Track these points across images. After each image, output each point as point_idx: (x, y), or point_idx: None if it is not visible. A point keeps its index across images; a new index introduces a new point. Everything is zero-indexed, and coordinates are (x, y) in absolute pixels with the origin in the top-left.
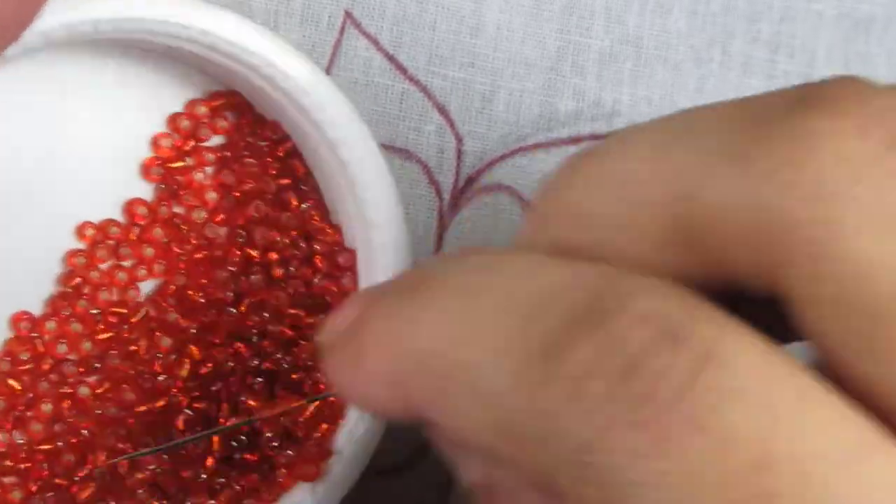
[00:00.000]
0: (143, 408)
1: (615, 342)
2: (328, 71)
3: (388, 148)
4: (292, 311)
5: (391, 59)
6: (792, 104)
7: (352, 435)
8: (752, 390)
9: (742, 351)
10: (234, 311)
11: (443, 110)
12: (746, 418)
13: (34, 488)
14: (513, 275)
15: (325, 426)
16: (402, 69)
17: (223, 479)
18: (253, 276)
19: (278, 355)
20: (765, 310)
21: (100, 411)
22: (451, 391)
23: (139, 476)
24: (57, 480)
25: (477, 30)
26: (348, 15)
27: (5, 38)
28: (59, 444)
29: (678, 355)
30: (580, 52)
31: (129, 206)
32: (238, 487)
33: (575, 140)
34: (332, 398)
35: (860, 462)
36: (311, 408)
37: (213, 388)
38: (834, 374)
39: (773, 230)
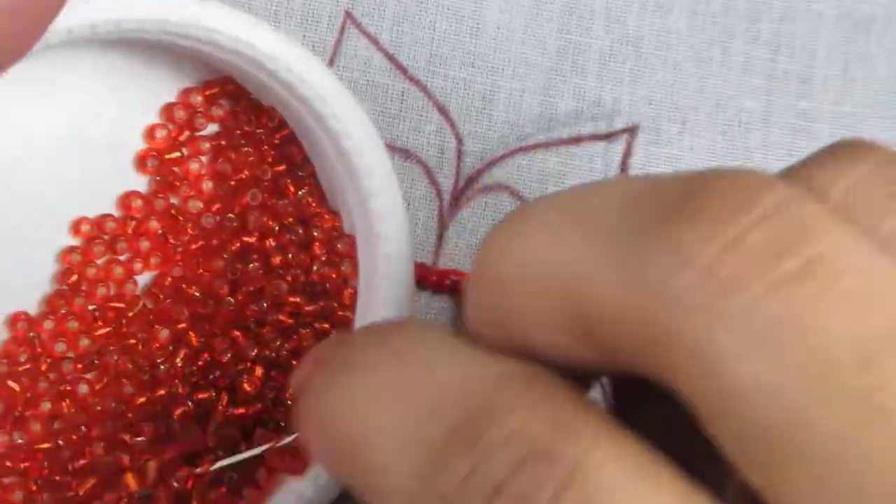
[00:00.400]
0: (142, 399)
1: (483, 462)
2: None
3: (389, 148)
4: (291, 300)
5: (391, 58)
6: (670, 208)
7: None
8: None
9: (612, 468)
10: (233, 300)
11: (443, 110)
12: None
13: (34, 488)
14: (419, 371)
15: None
16: (402, 69)
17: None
18: (251, 265)
19: (277, 343)
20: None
21: (99, 406)
22: (363, 486)
23: (136, 475)
24: (57, 478)
25: (477, 30)
26: (348, 15)
27: (12, 55)
28: (60, 442)
29: (541, 477)
30: (580, 52)
31: (125, 200)
32: (233, 478)
33: (575, 140)
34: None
35: None
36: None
37: (212, 377)
38: None
39: (650, 338)
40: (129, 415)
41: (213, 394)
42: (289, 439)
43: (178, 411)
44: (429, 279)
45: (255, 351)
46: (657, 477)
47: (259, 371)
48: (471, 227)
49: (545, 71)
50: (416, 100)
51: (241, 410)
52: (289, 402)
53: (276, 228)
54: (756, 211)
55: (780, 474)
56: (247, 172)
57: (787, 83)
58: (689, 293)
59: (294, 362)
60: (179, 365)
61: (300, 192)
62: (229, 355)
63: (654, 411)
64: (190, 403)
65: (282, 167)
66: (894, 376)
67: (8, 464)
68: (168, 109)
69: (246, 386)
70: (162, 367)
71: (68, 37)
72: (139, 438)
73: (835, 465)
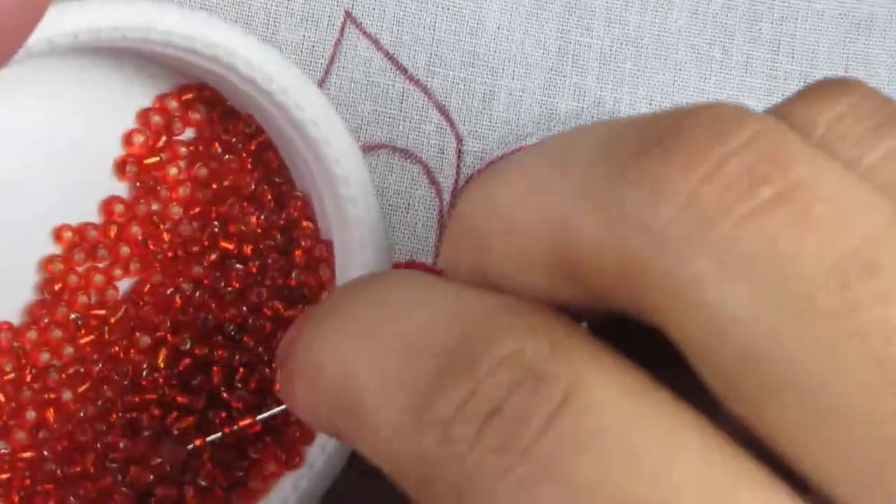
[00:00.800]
0: (128, 400)
1: (478, 387)
2: (328, 71)
3: (388, 148)
4: (271, 304)
5: (391, 59)
6: (651, 140)
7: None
8: (607, 434)
9: (605, 389)
10: (213, 305)
11: (443, 110)
12: (601, 464)
13: (16, 498)
14: (403, 308)
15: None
16: (402, 69)
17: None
18: (230, 271)
19: (259, 349)
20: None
21: (82, 413)
22: (355, 425)
23: (122, 478)
24: (39, 488)
25: (477, 30)
26: (348, 15)
27: (8, 49)
28: (45, 452)
29: (537, 399)
30: (580, 51)
31: (107, 205)
32: (227, 472)
33: None
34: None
35: (725, 501)
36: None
37: (193, 383)
38: None
39: (631, 276)
40: (112, 417)
41: (196, 399)
42: (282, 407)
43: (161, 414)
44: None
45: (237, 356)
46: (648, 396)
47: (240, 375)
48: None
49: (545, 71)
50: (416, 100)
51: (224, 414)
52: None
53: (255, 234)
54: (731, 142)
55: (762, 403)
56: (230, 180)
57: (787, 83)
58: (666, 226)
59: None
60: (161, 366)
61: (278, 199)
62: (211, 359)
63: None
64: (175, 413)
65: (260, 173)
66: (868, 298)
67: None
68: (144, 115)
69: (224, 395)
70: (144, 373)
71: (50, 46)
72: (121, 443)
73: (814, 388)
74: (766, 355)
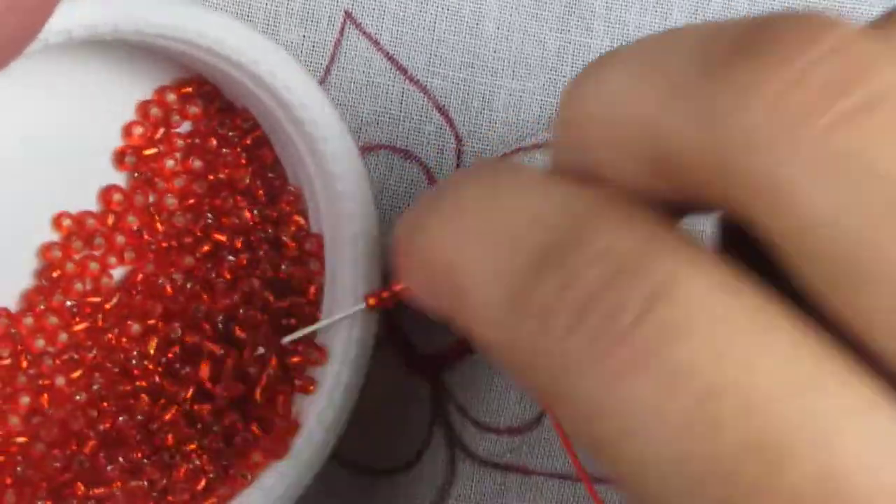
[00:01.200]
0: (120, 389)
1: (574, 278)
2: (328, 71)
3: (388, 148)
4: (262, 296)
5: (391, 59)
6: (742, 42)
7: (321, 416)
8: (699, 324)
9: (694, 285)
10: (204, 295)
11: (443, 110)
12: (692, 352)
13: (9, 481)
14: (507, 200)
15: (282, 398)
16: (402, 69)
17: (196, 462)
18: (222, 262)
19: (249, 339)
20: None
21: (79, 397)
22: (461, 307)
23: (111, 465)
24: (32, 471)
25: (477, 30)
26: (348, 15)
27: (12, 50)
28: (42, 432)
29: (630, 291)
30: (580, 52)
31: (105, 194)
32: (208, 467)
33: None
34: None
35: (813, 390)
36: (265, 378)
37: (182, 373)
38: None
39: (724, 174)
40: (104, 404)
41: (185, 388)
42: (314, 327)
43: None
44: None
45: (226, 346)
46: (737, 290)
47: (229, 365)
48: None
49: (545, 71)
50: (416, 100)
51: (208, 407)
52: (258, 399)
53: (250, 225)
54: (820, 47)
55: (853, 298)
56: (225, 173)
57: None
58: (756, 128)
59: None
60: (152, 354)
61: (271, 193)
62: (201, 349)
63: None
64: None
65: (254, 167)
66: None
67: None
68: (143, 107)
69: (208, 384)
70: (134, 361)
71: (45, 46)
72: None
73: None
74: (856, 254)
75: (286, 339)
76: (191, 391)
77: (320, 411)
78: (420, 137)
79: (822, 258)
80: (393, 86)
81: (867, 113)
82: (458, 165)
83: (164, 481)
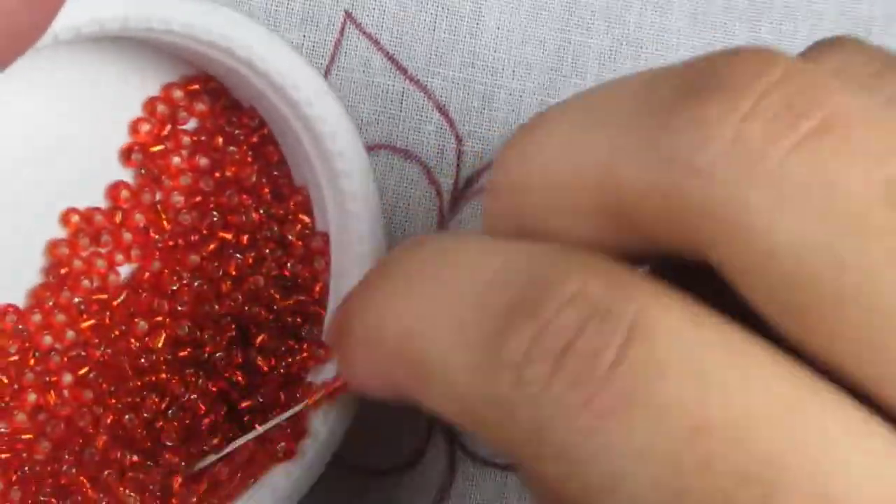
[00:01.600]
0: (127, 387)
1: (546, 327)
2: (328, 71)
3: (388, 148)
4: (267, 294)
5: (391, 59)
6: (690, 84)
7: (326, 417)
8: (679, 359)
9: (668, 320)
10: (210, 293)
11: (443, 110)
12: (676, 387)
13: (14, 478)
14: (463, 262)
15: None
16: (402, 69)
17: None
18: (227, 260)
19: (255, 338)
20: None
21: (91, 394)
22: (420, 381)
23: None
24: (37, 468)
25: (477, 30)
26: (348, 15)
27: (21, 45)
28: (48, 429)
29: (606, 333)
30: (580, 52)
31: (113, 190)
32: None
33: None
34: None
35: (796, 415)
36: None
37: (188, 372)
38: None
39: (683, 212)
40: (111, 401)
41: (192, 387)
42: (298, 408)
43: (158, 400)
44: None
45: (233, 346)
46: (711, 324)
47: (238, 362)
48: (471, 227)
49: (545, 71)
50: (415, 100)
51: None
52: (260, 401)
53: (256, 223)
54: (767, 79)
55: (821, 322)
56: (231, 171)
57: None
58: (714, 165)
59: (269, 359)
60: (159, 350)
61: (276, 192)
62: (207, 349)
63: None
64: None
65: (260, 166)
66: None
67: None
68: (150, 104)
69: (211, 387)
70: (143, 359)
71: (75, 37)
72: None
73: (871, 301)
74: (822, 274)
75: (237, 443)
76: (194, 394)
77: (323, 414)
78: (420, 137)
79: (786, 285)
80: (393, 86)
81: (821, 136)
82: (458, 165)
83: (170, 481)
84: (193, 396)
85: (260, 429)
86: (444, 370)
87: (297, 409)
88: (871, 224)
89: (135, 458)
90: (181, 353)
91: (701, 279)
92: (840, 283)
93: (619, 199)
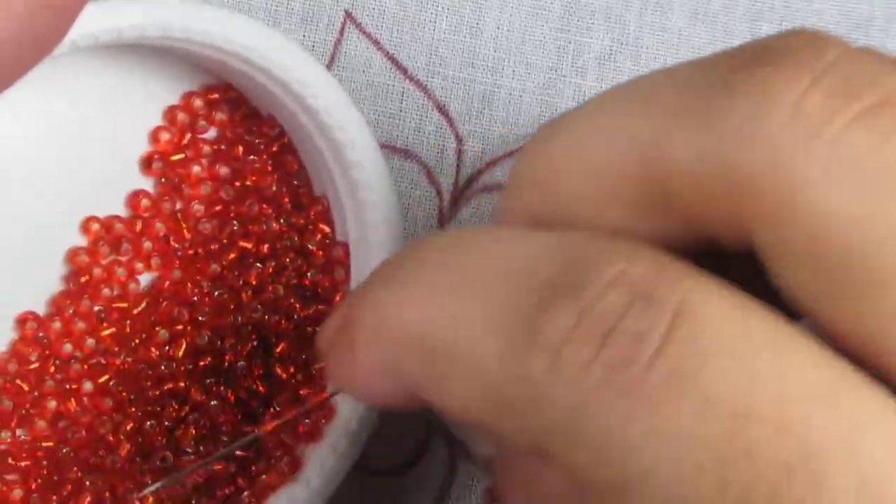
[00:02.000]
0: (147, 395)
1: (589, 309)
2: (328, 70)
3: (388, 148)
4: (287, 303)
5: (391, 59)
6: (747, 61)
7: (346, 428)
8: (723, 346)
9: (712, 307)
10: (230, 303)
11: (443, 110)
12: (721, 374)
13: (34, 486)
14: (489, 249)
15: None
16: (402, 69)
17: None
18: (248, 269)
19: (275, 347)
20: (744, 268)
21: (111, 402)
22: (439, 370)
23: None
24: (56, 478)
25: (477, 30)
26: (348, 15)
27: (39, 52)
28: (69, 437)
29: (651, 316)
30: (580, 51)
31: (133, 199)
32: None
33: None
34: (328, 397)
35: (836, 401)
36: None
37: (209, 382)
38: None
39: (736, 186)
40: (132, 409)
41: (213, 397)
42: (323, 398)
43: (178, 408)
44: None
45: (253, 356)
46: (754, 311)
47: (258, 372)
48: (471, 227)
49: (545, 71)
50: (416, 100)
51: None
52: (278, 409)
53: (276, 232)
54: (825, 58)
55: (869, 298)
56: (251, 180)
57: None
58: (776, 133)
59: (291, 368)
60: (181, 359)
61: (297, 202)
62: (228, 358)
63: None
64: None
65: (279, 175)
66: None
67: (10, 461)
68: (171, 112)
69: (230, 396)
70: (163, 367)
71: (72, 48)
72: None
73: None
74: (875, 249)
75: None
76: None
77: (343, 424)
78: (420, 137)
79: (832, 263)
80: (393, 86)
81: (880, 111)
82: (458, 165)
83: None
84: (214, 403)
85: (220, 452)
86: (470, 355)
87: (252, 437)
88: None
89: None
90: (201, 363)
91: (730, 275)
92: (893, 259)
93: (663, 179)
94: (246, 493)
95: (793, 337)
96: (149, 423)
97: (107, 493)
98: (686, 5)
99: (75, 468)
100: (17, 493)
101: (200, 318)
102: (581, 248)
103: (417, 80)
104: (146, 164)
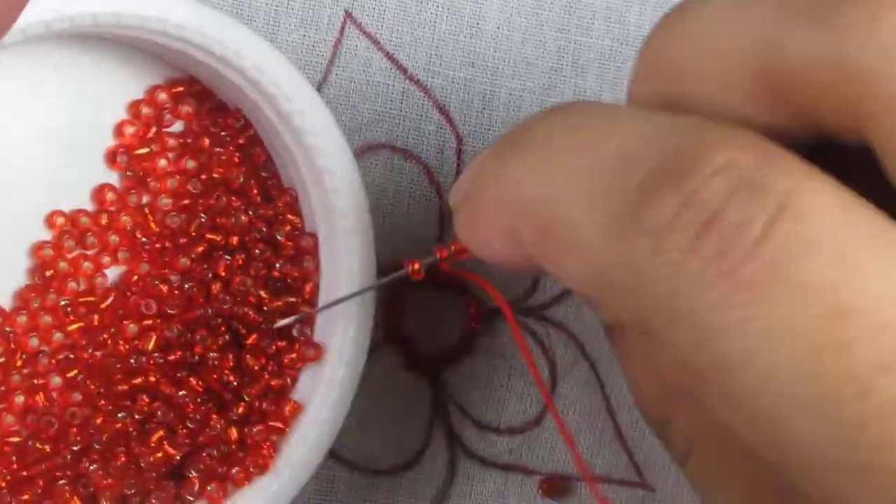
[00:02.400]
0: (118, 388)
1: (694, 195)
2: (328, 71)
3: (388, 148)
4: (256, 294)
5: (391, 59)
6: None
7: (315, 419)
8: (828, 239)
9: (819, 200)
10: (199, 295)
11: (443, 110)
12: (823, 267)
13: (2, 483)
14: (608, 128)
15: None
16: (403, 69)
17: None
18: (216, 261)
19: (244, 338)
20: (858, 162)
21: (79, 396)
22: (551, 243)
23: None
24: (25, 473)
25: (477, 30)
26: (348, 15)
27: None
28: (37, 433)
29: (755, 206)
30: (580, 52)
31: (98, 192)
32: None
33: None
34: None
35: None
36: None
37: (179, 375)
38: None
39: (854, 83)
40: (101, 402)
41: (183, 388)
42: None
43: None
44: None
45: (222, 345)
46: (861, 209)
47: (229, 364)
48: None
49: (545, 71)
50: (416, 100)
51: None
52: (246, 399)
53: (241, 226)
54: None
55: None
56: (218, 173)
57: None
58: (890, 34)
59: (262, 359)
60: (150, 353)
61: (264, 193)
62: (198, 350)
63: None
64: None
65: (246, 167)
66: None
67: None
68: (135, 106)
69: (198, 387)
70: (132, 360)
71: (47, 32)
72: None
73: None
74: None
75: (281, 323)
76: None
77: (315, 410)
78: (420, 137)
79: None
80: (393, 85)
81: None
82: (458, 165)
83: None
84: (182, 393)
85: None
86: (578, 233)
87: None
88: None
89: (123, 459)
90: (171, 356)
91: (846, 177)
92: None
93: (781, 68)
94: (214, 486)
95: None
96: (120, 414)
97: (80, 489)
98: None
99: (44, 464)
100: None
101: (170, 312)
102: (692, 134)
103: (417, 79)
104: (111, 158)
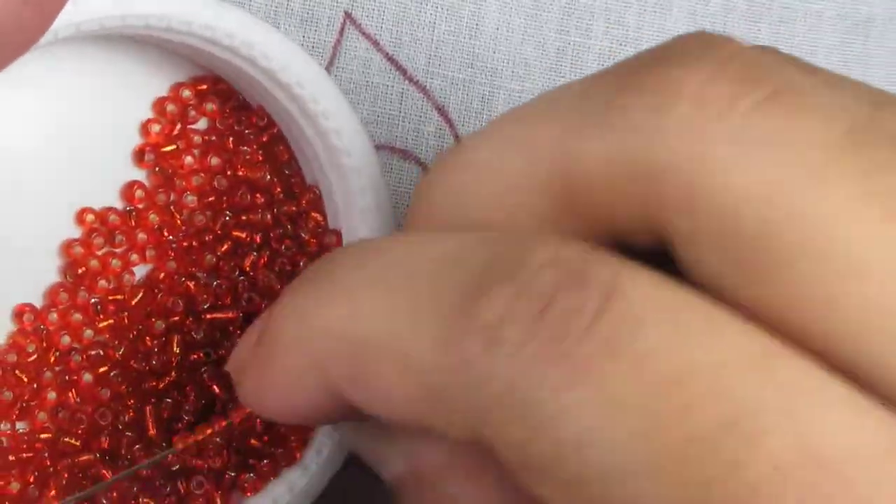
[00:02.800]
0: (145, 387)
1: (526, 286)
2: (328, 71)
3: (388, 148)
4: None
5: (391, 59)
6: (646, 62)
7: (330, 433)
8: (657, 314)
9: (644, 281)
10: (228, 295)
11: (442, 111)
12: (656, 340)
13: (32, 479)
14: (407, 247)
15: None
16: (402, 69)
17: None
18: (242, 259)
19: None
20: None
21: (109, 393)
22: (368, 366)
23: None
24: (55, 469)
25: (477, 30)
26: (348, 15)
27: (26, 41)
28: (70, 428)
29: (585, 291)
30: (580, 52)
31: (128, 190)
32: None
33: None
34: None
35: (767, 365)
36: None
37: (202, 371)
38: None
39: (645, 179)
40: (131, 401)
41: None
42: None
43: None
44: None
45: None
46: (679, 289)
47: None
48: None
49: (545, 72)
50: (415, 101)
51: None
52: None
53: (268, 223)
54: (721, 53)
55: (785, 271)
56: (243, 171)
57: None
58: (682, 122)
59: None
60: (176, 353)
61: (288, 191)
62: (222, 351)
63: None
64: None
65: (270, 165)
66: (882, 158)
67: (10, 458)
68: (160, 104)
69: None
70: (160, 358)
71: (77, 33)
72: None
73: (838, 245)
74: (782, 225)
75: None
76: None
77: (327, 430)
78: (419, 137)
79: (743, 242)
80: (392, 86)
81: (780, 96)
82: None
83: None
84: (203, 390)
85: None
86: (404, 350)
87: (166, 452)
88: (837, 169)
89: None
90: (196, 354)
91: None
92: (808, 229)
93: (574, 176)
94: (246, 478)
95: (722, 312)
96: (148, 409)
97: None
98: (685, 6)
99: (72, 459)
100: (15, 486)
101: (197, 310)
102: (509, 239)
103: (417, 80)
104: (139, 156)
